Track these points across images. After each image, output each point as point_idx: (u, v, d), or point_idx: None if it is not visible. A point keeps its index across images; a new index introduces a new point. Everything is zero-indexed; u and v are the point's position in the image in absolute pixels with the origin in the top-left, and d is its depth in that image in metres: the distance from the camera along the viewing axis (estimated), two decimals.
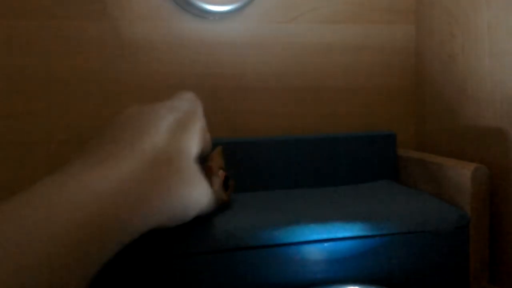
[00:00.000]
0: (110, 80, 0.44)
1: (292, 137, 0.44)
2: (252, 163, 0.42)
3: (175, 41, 0.45)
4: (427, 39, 0.48)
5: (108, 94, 0.44)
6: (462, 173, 0.36)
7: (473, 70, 0.40)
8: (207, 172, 0.31)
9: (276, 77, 0.48)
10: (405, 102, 0.51)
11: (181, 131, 0.27)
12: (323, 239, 0.32)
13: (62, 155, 0.43)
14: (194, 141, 0.28)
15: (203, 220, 0.31)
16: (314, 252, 0.32)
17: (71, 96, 0.43)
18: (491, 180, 0.36)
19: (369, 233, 0.33)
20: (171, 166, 0.26)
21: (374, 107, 0.50)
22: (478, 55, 0.39)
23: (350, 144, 0.45)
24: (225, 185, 0.34)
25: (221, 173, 0.33)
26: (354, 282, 0.33)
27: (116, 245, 0.23)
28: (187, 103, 0.31)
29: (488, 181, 0.35)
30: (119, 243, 0.23)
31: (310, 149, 0.44)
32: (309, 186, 0.44)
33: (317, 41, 0.48)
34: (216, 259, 0.31)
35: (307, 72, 0.48)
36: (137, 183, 0.24)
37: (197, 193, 0.28)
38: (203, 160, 0.32)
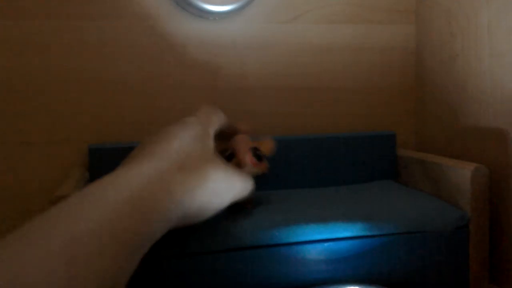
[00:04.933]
0: (110, 80, 0.44)
1: (292, 137, 0.44)
2: None
3: (175, 41, 0.45)
4: (427, 39, 0.48)
5: (108, 94, 0.44)
6: (462, 173, 0.36)
7: (473, 70, 0.40)
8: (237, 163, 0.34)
9: (276, 77, 0.48)
10: (405, 102, 0.51)
11: (197, 136, 0.30)
12: (323, 239, 0.32)
13: (62, 155, 0.43)
14: (210, 140, 0.31)
15: (203, 221, 0.31)
16: (314, 252, 0.32)
17: (71, 96, 0.43)
18: (491, 180, 0.36)
19: (369, 233, 0.33)
20: (197, 159, 0.28)
21: (374, 107, 0.50)
22: (478, 55, 0.39)
23: (350, 144, 0.45)
24: (257, 157, 0.35)
25: (248, 157, 0.35)
26: (354, 282, 0.33)
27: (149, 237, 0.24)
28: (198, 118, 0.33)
29: (488, 181, 0.35)
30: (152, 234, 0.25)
31: (310, 149, 0.44)
32: (309, 186, 0.44)
33: (317, 41, 0.48)
34: (216, 259, 0.31)
35: (307, 72, 0.48)
36: (166, 174, 0.26)
37: (224, 185, 0.29)
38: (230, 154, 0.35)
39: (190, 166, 0.27)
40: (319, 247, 0.32)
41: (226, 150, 0.35)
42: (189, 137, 0.29)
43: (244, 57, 0.47)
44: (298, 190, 0.43)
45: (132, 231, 0.22)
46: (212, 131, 0.32)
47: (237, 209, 0.35)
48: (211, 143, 0.31)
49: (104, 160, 0.40)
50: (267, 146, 0.37)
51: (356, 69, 0.49)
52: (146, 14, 0.45)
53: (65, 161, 0.43)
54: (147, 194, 0.24)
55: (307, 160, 0.44)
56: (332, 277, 0.33)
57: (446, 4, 0.44)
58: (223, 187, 0.29)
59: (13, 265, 0.18)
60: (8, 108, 0.42)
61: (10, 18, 0.42)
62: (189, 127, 0.30)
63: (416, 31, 0.50)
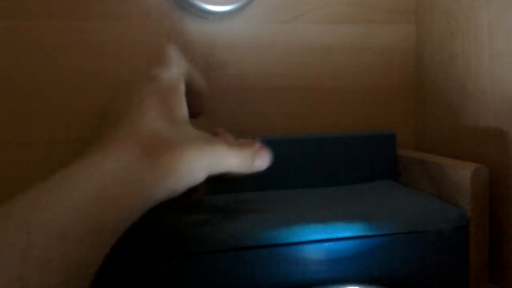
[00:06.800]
0: (110, 80, 0.44)
1: (292, 137, 0.44)
2: None
3: (175, 41, 0.45)
4: (427, 39, 0.48)
5: (108, 94, 0.44)
6: (462, 173, 0.36)
7: (473, 70, 0.40)
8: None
9: (276, 77, 0.48)
10: (405, 102, 0.51)
11: (167, 103, 0.28)
12: (324, 239, 0.32)
13: (62, 155, 0.43)
14: (181, 107, 0.29)
15: (203, 221, 0.31)
16: (314, 252, 0.32)
17: (71, 96, 0.43)
18: (491, 180, 0.36)
19: (370, 233, 0.33)
20: (167, 138, 0.27)
21: (374, 107, 0.50)
22: (478, 55, 0.39)
23: (350, 144, 0.45)
24: None
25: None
26: (354, 282, 0.33)
27: (132, 213, 0.25)
28: (165, 67, 0.31)
29: (488, 181, 0.35)
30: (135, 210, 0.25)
31: (310, 149, 0.44)
32: (309, 186, 0.44)
33: (317, 41, 0.48)
34: (216, 259, 0.31)
35: (307, 72, 0.48)
36: (135, 165, 0.25)
37: (201, 154, 0.27)
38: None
39: (160, 150, 0.26)
40: (319, 247, 0.32)
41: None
42: (158, 109, 0.27)
43: (244, 57, 0.47)
44: (298, 190, 0.43)
45: (98, 227, 0.23)
46: (182, 85, 0.30)
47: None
48: (183, 112, 0.29)
49: None
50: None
51: (356, 69, 0.49)
52: (146, 14, 0.45)
53: (65, 161, 0.43)
54: (112, 189, 0.24)
55: (307, 160, 0.44)
56: (332, 277, 0.33)
57: (446, 4, 0.44)
58: (200, 165, 0.27)
59: None
60: (8, 108, 0.42)
61: (10, 18, 0.42)
62: (157, 91, 0.28)
63: (416, 31, 0.50)
